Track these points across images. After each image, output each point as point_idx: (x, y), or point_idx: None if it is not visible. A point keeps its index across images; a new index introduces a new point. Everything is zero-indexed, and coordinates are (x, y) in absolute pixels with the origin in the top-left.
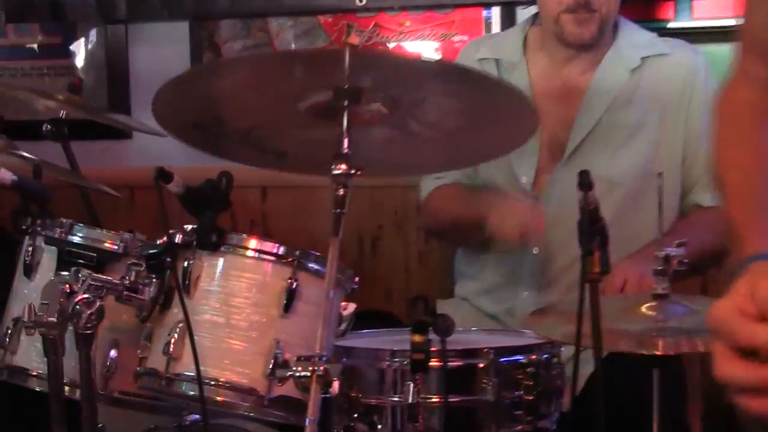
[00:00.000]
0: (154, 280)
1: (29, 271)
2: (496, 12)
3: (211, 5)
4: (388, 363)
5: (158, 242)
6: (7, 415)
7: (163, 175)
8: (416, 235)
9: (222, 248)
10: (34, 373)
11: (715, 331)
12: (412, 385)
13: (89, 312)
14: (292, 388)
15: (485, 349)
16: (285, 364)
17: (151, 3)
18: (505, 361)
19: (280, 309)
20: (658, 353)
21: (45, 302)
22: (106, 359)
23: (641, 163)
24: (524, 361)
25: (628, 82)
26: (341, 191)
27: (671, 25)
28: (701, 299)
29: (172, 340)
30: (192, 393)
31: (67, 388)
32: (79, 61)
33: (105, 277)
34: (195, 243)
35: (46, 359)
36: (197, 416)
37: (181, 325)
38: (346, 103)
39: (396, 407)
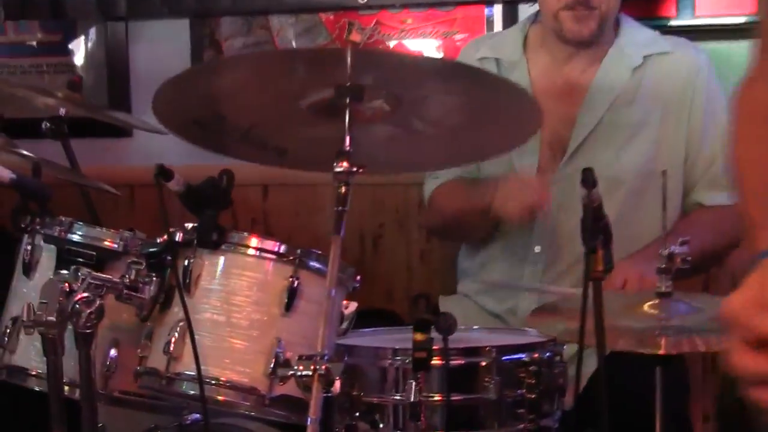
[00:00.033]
0: (154, 278)
1: (28, 269)
2: (498, 10)
3: (212, 2)
4: (390, 361)
5: (159, 241)
6: (8, 415)
7: (164, 173)
8: (418, 233)
9: (223, 247)
10: (33, 373)
11: (729, 323)
12: (414, 383)
13: (89, 311)
14: (293, 387)
15: (487, 348)
16: (286, 363)
17: (151, 0)
18: (508, 359)
19: (281, 308)
20: (660, 352)
21: (44, 301)
22: (106, 358)
23: (643, 162)
24: (526, 359)
25: (630, 81)
26: (343, 189)
27: (673, 22)
28: (704, 297)
29: (173, 339)
30: (193, 392)
31: (66, 388)
32: (79, 59)
33: (105, 275)
34: (196, 241)
35: (45, 359)
36: (198, 415)
37: (181, 324)
38: (347, 100)
39: (398, 406)
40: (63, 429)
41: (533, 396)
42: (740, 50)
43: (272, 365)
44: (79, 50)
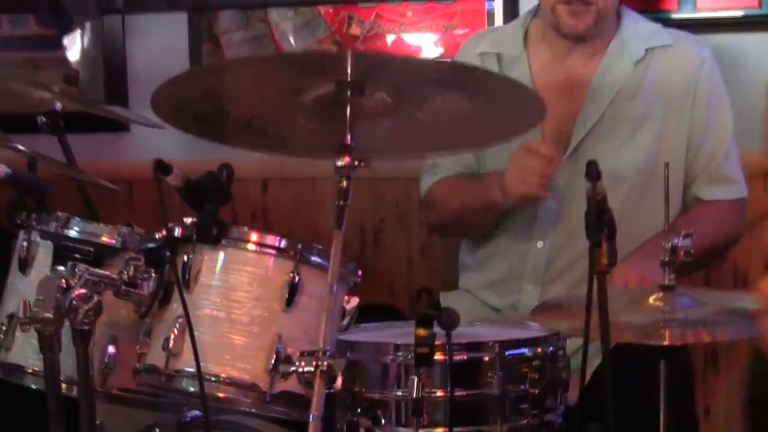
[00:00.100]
0: (153, 274)
1: (24, 266)
2: (498, 3)
3: None
4: (391, 357)
5: (157, 236)
6: (7, 414)
7: (163, 168)
8: (419, 228)
9: (223, 242)
10: (30, 371)
11: (765, 306)
12: (416, 379)
13: (86, 307)
14: (294, 383)
15: (490, 343)
16: (288, 360)
17: None
18: (511, 354)
19: (282, 303)
20: (665, 344)
21: (41, 298)
22: (104, 356)
23: (645, 156)
24: (530, 354)
25: (632, 75)
26: (344, 183)
27: (675, 15)
28: (707, 291)
29: (172, 336)
30: (192, 389)
31: (64, 386)
32: (75, 53)
33: (102, 271)
34: (195, 237)
35: (42, 356)
36: (197, 412)
37: (180, 320)
38: (349, 94)
39: (400, 402)
40: (61, 427)
41: (536, 391)
42: (741, 43)
43: (273, 361)
44: (75, 44)
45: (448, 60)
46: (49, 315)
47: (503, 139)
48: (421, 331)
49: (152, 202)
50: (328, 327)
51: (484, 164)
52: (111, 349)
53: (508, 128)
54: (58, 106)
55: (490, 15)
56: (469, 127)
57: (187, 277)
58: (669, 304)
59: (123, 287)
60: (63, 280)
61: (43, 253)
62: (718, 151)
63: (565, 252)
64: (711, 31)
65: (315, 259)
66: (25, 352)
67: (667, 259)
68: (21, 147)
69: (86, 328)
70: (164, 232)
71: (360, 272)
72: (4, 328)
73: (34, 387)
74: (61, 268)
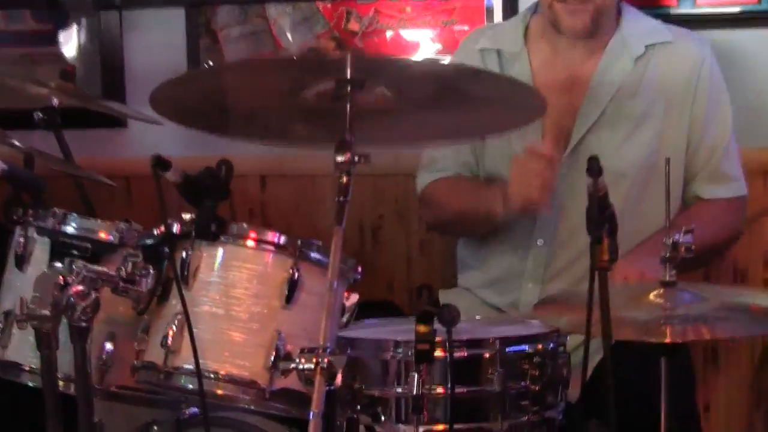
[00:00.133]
0: (151, 271)
1: (21, 262)
2: (497, 0)
3: None
4: (391, 354)
5: (156, 232)
6: (4, 412)
7: (161, 163)
8: (418, 224)
9: (222, 238)
10: (27, 368)
11: None
12: (416, 376)
13: (84, 304)
14: (294, 380)
15: (491, 339)
16: (288, 357)
17: None
18: (511, 351)
19: (281, 300)
20: (666, 341)
21: (37, 294)
22: (102, 353)
23: (646, 154)
24: (530, 350)
25: (632, 72)
26: (344, 179)
27: (674, 11)
28: (708, 286)
29: (171, 333)
30: (191, 387)
31: (62, 383)
32: (72, 49)
33: (100, 268)
34: (194, 233)
35: (39, 353)
36: (196, 409)
37: (179, 317)
38: (349, 89)
39: (400, 399)
40: (59, 425)
41: (537, 388)
42: (741, 39)
43: (273, 358)
44: (72, 40)
45: (449, 63)
46: (46, 312)
47: (504, 131)
48: (422, 328)
49: (150, 199)
50: (328, 324)
51: (483, 163)
52: (109, 346)
53: (508, 122)
54: (55, 101)
55: (489, 11)
56: (469, 119)
57: (185, 273)
58: (670, 300)
59: (121, 284)
60: (60, 277)
61: (40, 249)
62: (717, 147)
63: (565, 250)
64: (710, 26)
65: (314, 255)
66: (22, 349)
67: (668, 255)
68: (17, 143)
69: (84, 325)
70: (163, 229)
71: (360, 269)
72: (0, 325)
73: (31, 385)
74: (59, 264)
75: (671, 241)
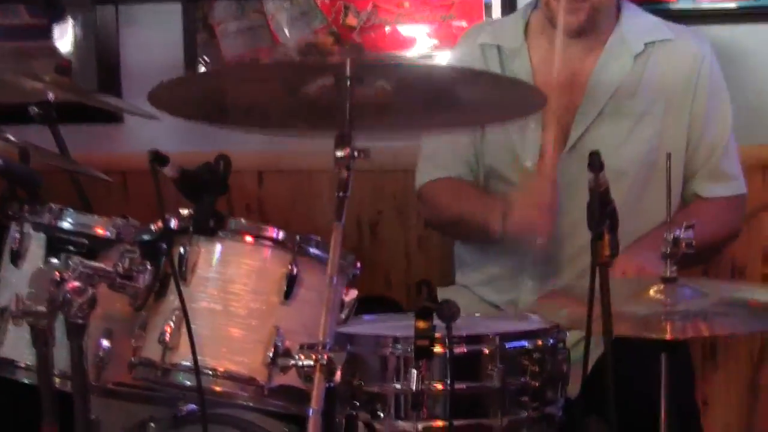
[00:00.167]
0: (148, 267)
1: (17, 258)
2: None
3: None
4: (391, 350)
5: (153, 228)
6: (2, 408)
7: (159, 158)
8: (416, 220)
9: (220, 234)
10: (23, 365)
11: None
12: (415, 372)
13: (80, 301)
14: (292, 377)
15: (490, 335)
16: (287, 353)
17: None
18: (511, 347)
19: (280, 296)
20: (667, 338)
21: (33, 291)
22: (99, 350)
23: (646, 152)
24: (530, 346)
25: (632, 71)
26: (344, 174)
27: (674, 7)
28: (707, 282)
29: (168, 329)
30: (189, 384)
31: (58, 380)
32: (68, 44)
33: (97, 264)
34: (192, 228)
35: (35, 350)
36: (193, 406)
37: (177, 313)
38: (348, 84)
39: (399, 395)
40: (55, 423)
41: (537, 384)
42: (741, 34)
43: (271, 355)
44: (68, 34)
45: (448, 66)
46: (42, 308)
47: (504, 122)
48: (421, 324)
49: (147, 194)
50: (328, 320)
51: (483, 158)
52: (106, 342)
53: (508, 115)
54: (51, 96)
55: (488, 6)
56: (469, 111)
57: (183, 269)
58: (670, 296)
59: (118, 280)
60: (56, 273)
61: (36, 245)
62: (717, 146)
63: (564, 248)
64: (710, 22)
65: (313, 251)
66: (18, 346)
67: (668, 250)
68: (12, 138)
69: (80, 321)
70: (160, 224)
71: (359, 264)
72: None
73: (27, 382)
74: (55, 260)
75: (672, 236)
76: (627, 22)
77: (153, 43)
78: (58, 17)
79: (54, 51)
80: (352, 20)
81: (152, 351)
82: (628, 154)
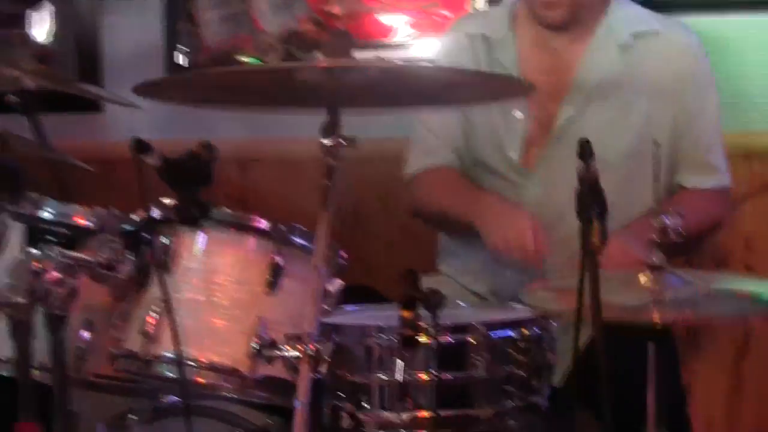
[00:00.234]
0: (130, 257)
1: None
2: None
3: None
4: (375, 340)
5: (135, 218)
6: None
7: (141, 147)
8: (399, 208)
9: (204, 223)
10: (2, 358)
11: None
12: (400, 362)
13: (61, 292)
14: (277, 368)
15: (476, 325)
16: (272, 344)
17: None
18: (497, 336)
19: (264, 286)
20: (654, 324)
21: (12, 282)
22: (79, 341)
23: (633, 143)
24: (516, 336)
25: (618, 61)
26: (332, 163)
27: None
28: (692, 271)
29: (151, 321)
30: (172, 375)
31: (37, 373)
32: (47, 32)
33: (77, 254)
34: (175, 218)
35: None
36: (175, 397)
37: (159, 304)
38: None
39: (384, 385)
40: (32, 416)
41: (522, 373)
42: (723, 23)
43: (255, 345)
44: (46, 23)
45: (432, 65)
46: (21, 300)
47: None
48: (406, 313)
49: (129, 184)
50: (314, 310)
51: (475, 145)
52: (86, 334)
53: (495, 99)
54: (30, 84)
55: None
56: (455, 91)
57: (166, 259)
58: (658, 284)
59: (99, 270)
60: (36, 263)
61: (15, 235)
62: (704, 137)
63: (550, 236)
64: (697, 11)
65: (298, 240)
66: None
67: (657, 239)
68: None
69: (60, 313)
70: (143, 214)
71: (345, 254)
72: None
73: (5, 374)
74: (34, 251)
75: (659, 225)
76: (615, 13)
77: (134, 31)
78: (38, 5)
79: (33, 39)
80: (334, 8)
81: (134, 342)
82: (614, 144)
